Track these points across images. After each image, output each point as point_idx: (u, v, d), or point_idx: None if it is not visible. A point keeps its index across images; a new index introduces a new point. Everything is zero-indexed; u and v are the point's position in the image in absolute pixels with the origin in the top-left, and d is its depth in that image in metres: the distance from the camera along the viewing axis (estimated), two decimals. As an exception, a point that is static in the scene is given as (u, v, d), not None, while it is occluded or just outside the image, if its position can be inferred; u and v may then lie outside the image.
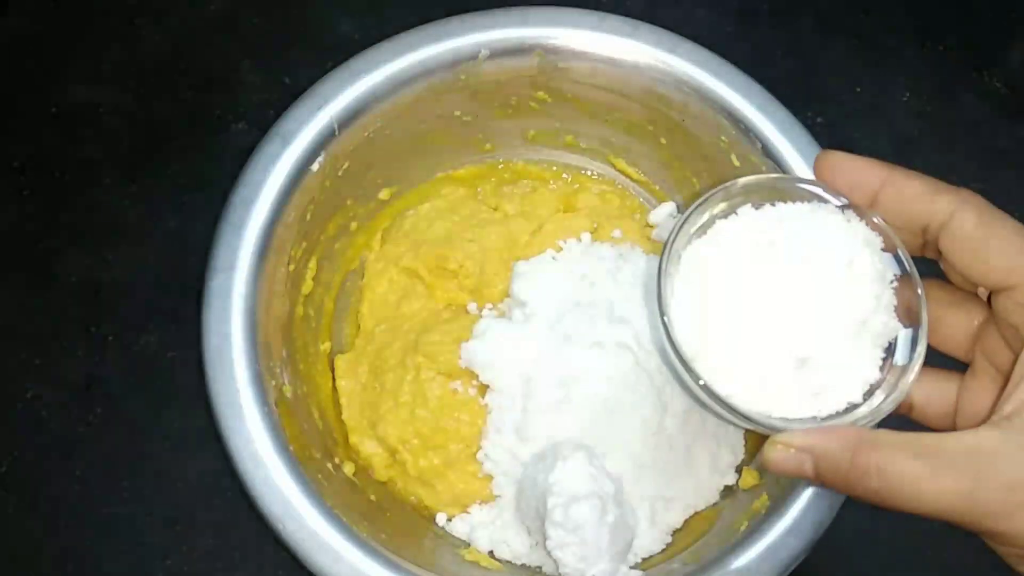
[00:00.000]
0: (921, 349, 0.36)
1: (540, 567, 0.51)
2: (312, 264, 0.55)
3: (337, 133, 0.53)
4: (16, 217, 0.61)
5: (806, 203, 0.37)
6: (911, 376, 0.36)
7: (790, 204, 0.37)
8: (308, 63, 0.65)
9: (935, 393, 0.37)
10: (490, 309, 0.57)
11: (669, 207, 0.59)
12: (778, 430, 0.34)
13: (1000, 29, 0.71)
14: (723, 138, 0.54)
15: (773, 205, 0.37)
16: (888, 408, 0.35)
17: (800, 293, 0.35)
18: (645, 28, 0.55)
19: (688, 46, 0.54)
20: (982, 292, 0.36)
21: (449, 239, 0.57)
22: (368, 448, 0.54)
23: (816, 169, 0.36)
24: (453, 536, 0.52)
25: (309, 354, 0.55)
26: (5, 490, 0.55)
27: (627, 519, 0.49)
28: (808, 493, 0.47)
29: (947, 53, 0.70)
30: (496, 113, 0.58)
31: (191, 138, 0.63)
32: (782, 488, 0.48)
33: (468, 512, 0.53)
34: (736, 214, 0.38)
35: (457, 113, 0.57)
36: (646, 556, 0.50)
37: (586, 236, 0.58)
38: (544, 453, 0.50)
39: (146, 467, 0.56)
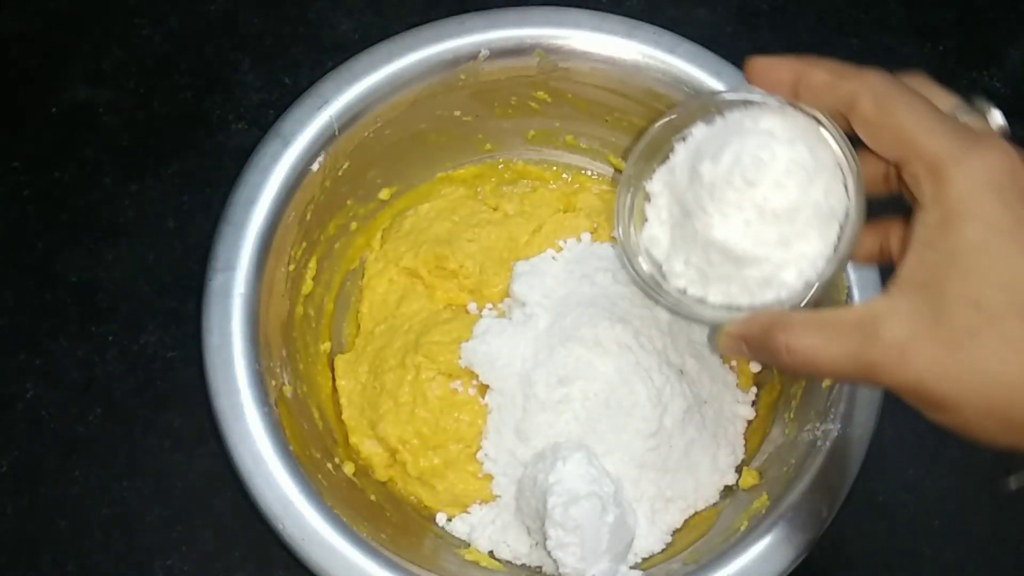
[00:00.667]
0: (851, 228, 0.38)
1: (540, 567, 0.51)
2: (312, 264, 0.55)
3: (337, 133, 0.53)
4: (16, 217, 0.61)
5: (749, 108, 0.40)
6: (843, 251, 0.38)
7: (736, 112, 0.40)
8: (308, 63, 0.65)
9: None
10: (490, 309, 0.57)
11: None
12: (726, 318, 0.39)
13: (1000, 29, 0.71)
14: (723, 138, 0.54)
15: (723, 116, 0.41)
16: (825, 278, 0.38)
17: (745, 193, 0.38)
18: (645, 28, 0.55)
19: (688, 46, 0.54)
20: None
21: (449, 239, 0.57)
22: (368, 448, 0.54)
23: (745, 76, 0.39)
24: (453, 536, 0.52)
25: (309, 354, 0.55)
26: (5, 490, 0.55)
27: (627, 519, 0.49)
28: (808, 493, 0.47)
29: (947, 53, 0.70)
30: (496, 113, 0.58)
31: (191, 138, 0.63)
32: (782, 488, 0.48)
33: (468, 512, 0.53)
34: (692, 134, 0.41)
35: (457, 113, 0.57)
36: (646, 556, 0.50)
37: (586, 236, 0.58)
38: (544, 453, 0.50)
39: (146, 467, 0.56)
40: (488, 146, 0.60)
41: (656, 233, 0.42)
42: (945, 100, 0.36)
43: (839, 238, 0.38)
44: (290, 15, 0.67)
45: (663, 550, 0.51)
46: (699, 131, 0.41)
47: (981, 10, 0.71)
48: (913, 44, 0.70)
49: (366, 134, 0.54)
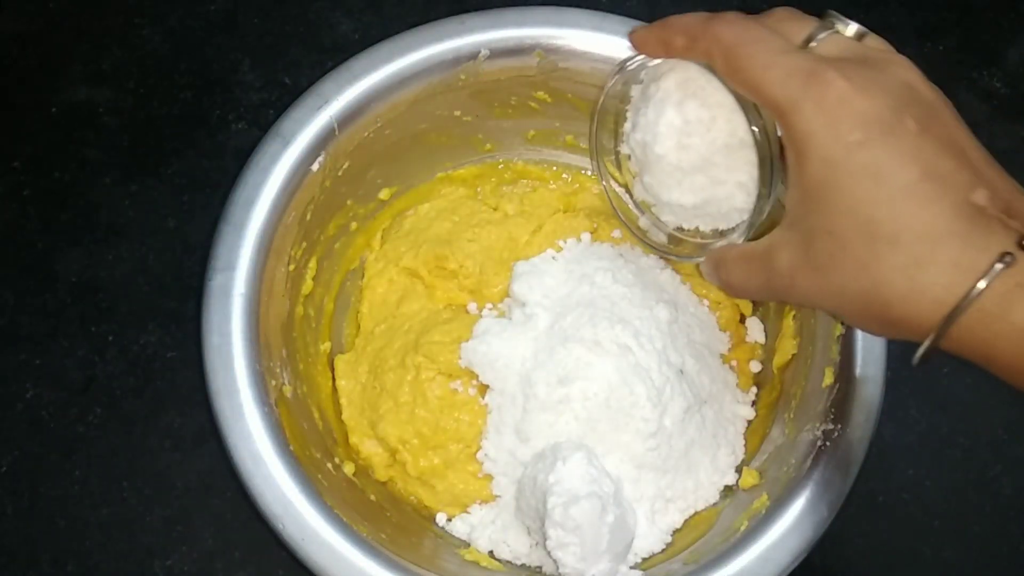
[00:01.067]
0: (771, 147, 0.41)
1: (540, 567, 0.51)
2: (312, 264, 0.55)
3: (337, 133, 0.53)
4: (16, 217, 0.61)
5: (654, 70, 0.45)
6: (771, 166, 0.41)
7: (646, 76, 0.45)
8: (308, 63, 0.65)
9: None
10: (490, 309, 0.56)
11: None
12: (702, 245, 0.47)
13: (1000, 29, 0.71)
14: (723, 138, 0.54)
15: (640, 82, 0.46)
16: (756, 217, 0.43)
17: (663, 162, 0.44)
18: (645, 28, 0.55)
19: (688, 46, 0.54)
20: None
21: (449, 239, 0.57)
22: (368, 448, 0.54)
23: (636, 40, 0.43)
24: (453, 536, 0.52)
25: (309, 354, 0.55)
26: (5, 490, 0.55)
27: (627, 519, 0.49)
28: (808, 493, 0.47)
29: (947, 53, 0.70)
30: (496, 113, 0.58)
31: (191, 138, 0.63)
32: (782, 488, 0.48)
33: (468, 512, 0.53)
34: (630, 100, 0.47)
35: (457, 113, 0.57)
36: (646, 556, 0.50)
37: (586, 236, 0.58)
38: (544, 453, 0.50)
39: (146, 467, 0.56)
40: (488, 146, 0.60)
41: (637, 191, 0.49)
42: (802, 28, 0.38)
43: (766, 158, 0.41)
44: (290, 15, 0.67)
45: (663, 550, 0.51)
46: (634, 95, 0.47)
47: (981, 10, 0.71)
48: (913, 44, 0.70)
49: (366, 134, 0.54)
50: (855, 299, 0.36)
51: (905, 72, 0.36)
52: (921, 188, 0.34)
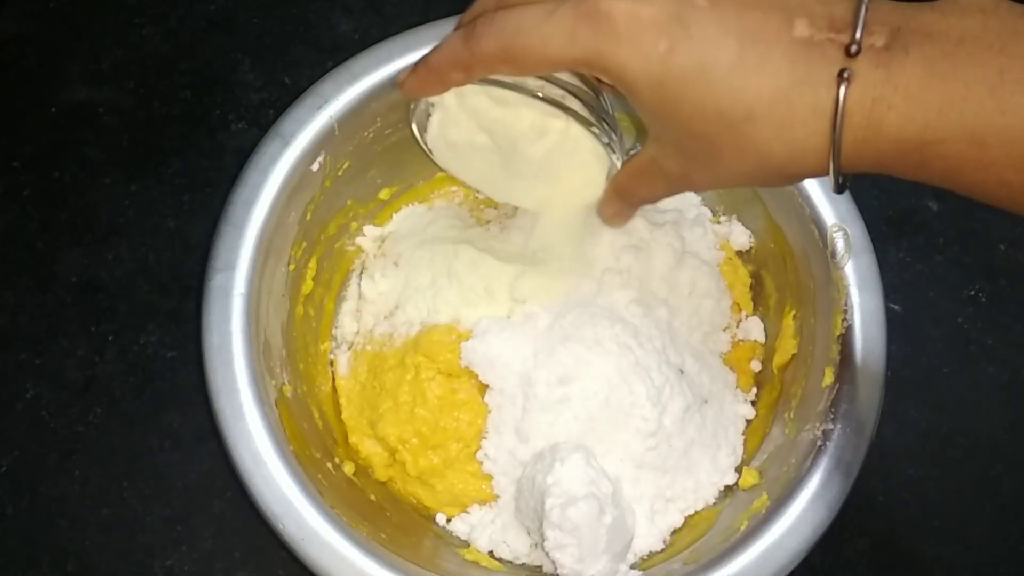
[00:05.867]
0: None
1: (540, 567, 0.51)
2: (312, 264, 0.55)
3: (337, 133, 0.53)
4: (16, 217, 0.61)
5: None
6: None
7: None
8: (308, 63, 0.65)
9: None
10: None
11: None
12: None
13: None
14: (723, 138, 0.54)
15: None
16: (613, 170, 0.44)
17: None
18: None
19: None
20: None
21: (449, 239, 0.57)
22: (368, 448, 0.54)
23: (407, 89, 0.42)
24: (453, 536, 0.52)
25: (309, 354, 0.55)
26: (5, 490, 0.55)
27: (625, 520, 0.49)
28: (808, 493, 0.47)
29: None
30: (496, 113, 0.58)
31: (191, 138, 0.63)
32: (782, 488, 0.48)
33: (468, 512, 0.53)
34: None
35: (457, 113, 0.57)
36: (646, 556, 0.50)
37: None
38: (543, 454, 0.50)
39: (146, 467, 0.56)
40: (488, 146, 0.60)
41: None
42: None
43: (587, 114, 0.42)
44: (290, 15, 0.67)
45: (663, 550, 0.51)
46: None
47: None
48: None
49: (366, 134, 0.54)
50: (751, 175, 0.36)
51: None
52: (745, 57, 0.33)
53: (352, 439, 0.54)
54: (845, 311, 0.50)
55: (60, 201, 0.61)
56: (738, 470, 0.53)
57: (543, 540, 0.47)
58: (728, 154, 0.35)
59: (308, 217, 0.53)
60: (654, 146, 0.39)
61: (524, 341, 0.52)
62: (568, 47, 0.35)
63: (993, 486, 0.58)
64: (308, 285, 0.55)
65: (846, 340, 0.50)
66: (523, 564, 0.51)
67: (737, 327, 0.57)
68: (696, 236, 0.57)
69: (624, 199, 0.44)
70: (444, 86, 0.40)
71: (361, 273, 0.58)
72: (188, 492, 0.56)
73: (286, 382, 0.51)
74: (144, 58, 0.65)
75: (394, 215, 0.59)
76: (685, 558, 0.49)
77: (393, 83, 0.44)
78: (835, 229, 0.51)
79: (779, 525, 0.47)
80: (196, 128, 0.64)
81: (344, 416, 0.55)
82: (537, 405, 0.50)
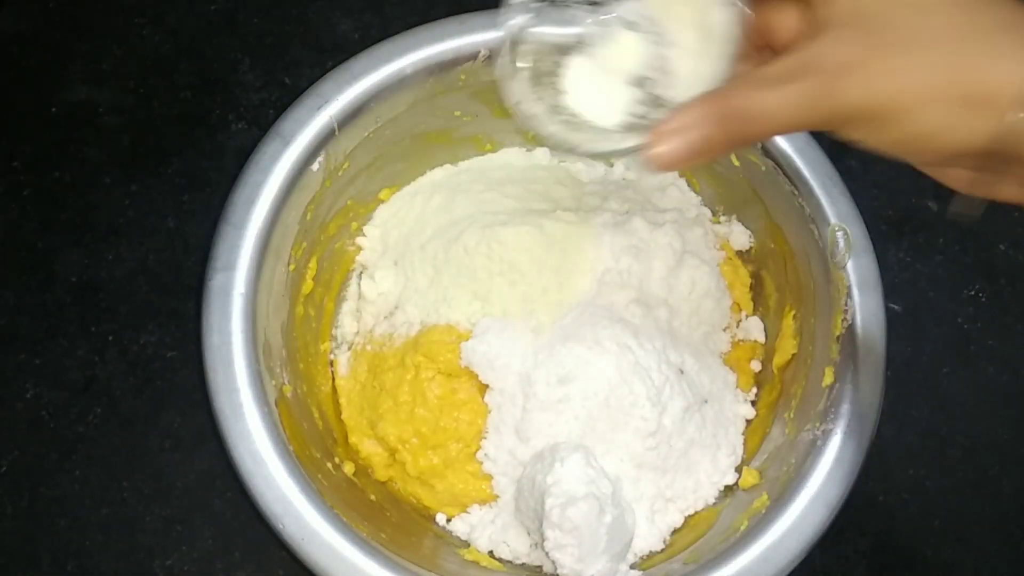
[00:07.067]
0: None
1: (540, 567, 0.51)
2: (312, 264, 0.55)
3: (337, 133, 0.53)
4: (16, 217, 0.61)
5: None
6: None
7: None
8: (308, 63, 0.65)
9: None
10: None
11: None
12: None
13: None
14: (723, 138, 0.55)
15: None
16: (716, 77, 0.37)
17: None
18: (645, 28, 0.55)
19: (688, 46, 0.54)
20: None
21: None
22: (368, 448, 0.54)
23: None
24: (453, 536, 0.52)
25: (309, 354, 0.55)
26: (5, 490, 0.55)
27: (625, 519, 0.49)
28: (808, 493, 0.47)
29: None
30: (496, 113, 0.58)
31: (191, 138, 0.63)
32: (782, 488, 0.48)
33: (468, 512, 0.53)
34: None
35: (457, 113, 0.57)
36: (646, 556, 0.50)
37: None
38: (542, 454, 0.50)
39: (146, 467, 0.56)
40: (488, 146, 0.60)
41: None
42: None
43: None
44: (290, 15, 0.67)
45: (663, 550, 0.51)
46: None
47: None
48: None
49: (366, 134, 0.54)
50: (939, 67, 0.32)
51: None
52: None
53: (352, 439, 0.54)
54: (845, 311, 0.50)
55: (60, 201, 0.61)
56: (738, 470, 0.53)
57: (543, 540, 0.47)
58: (937, 27, 0.32)
59: (308, 217, 0.53)
60: (820, 40, 0.34)
61: (524, 341, 0.52)
62: None
63: (993, 486, 0.58)
64: (308, 285, 0.55)
65: (846, 340, 0.50)
66: (523, 564, 0.51)
67: (737, 327, 0.57)
68: (696, 236, 0.57)
69: (731, 103, 0.35)
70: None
71: (361, 273, 0.58)
72: (188, 492, 0.56)
73: (286, 382, 0.51)
74: (144, 58, 0.65)
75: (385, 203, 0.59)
76: (685, 558, 0.49)
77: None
78: (835, 229, 0.51)
79: (779, 525, 0.47)
80: (196, 128, 0.64)
81: (344, 416, 0.55)
82: (537, 405, 0.50)
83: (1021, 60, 0.31)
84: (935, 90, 0.32)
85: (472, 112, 0.58)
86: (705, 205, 0.60)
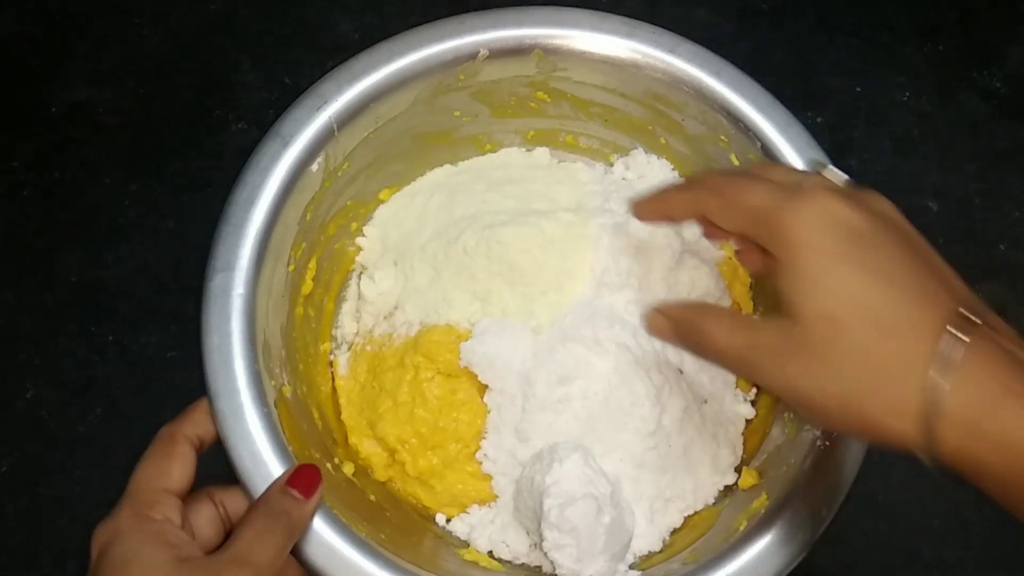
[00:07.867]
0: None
1: (539, 567, 0.51)
2: (312, 264, 0.55)
3: (337, 133, 0.53)
4: (15, 217, 0.61)
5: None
6: None
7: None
8: (308, 63, 0.65)
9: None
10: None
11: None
12: None
13: (1000, 29, 0.71)
14: (723, 137, 0.55)
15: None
16: None
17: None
18: (645, 28, 0.55)
19: (688, 46, 0.54)
20: None
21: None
22: (367, 448, 0.54)
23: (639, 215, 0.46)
24: (452, 536, 0.52)
25: (309, 354, 0.55)
26: (5, 490, 0.55)
27: (624, 520, 0.49)
28: (808, 493, 0.47)
29: (947, 53, 0.70)
30: (496, 113, 0.58)
31: (191, 138, 0.63)
32: (782, 488, 0.48)
33: (467, 512, 0.53)
34: None
35: (457, 113, 0.57)
36: (645, 556, 0.50)
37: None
38: (541, 454, 0.50)
39: (146, 467, 0.56)
40: (488, 146, 0.60)
41: None
42: (781, 172, 0.41)
43: None
44: (290, 15, 0.67)
45: (662, 550, 0.51)
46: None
47: (981, 10, 0.71)
48: (913, 44, 0.70)
49: (365, 134, 0.54)
50: (845, 388, 0.36)
51: (886, 205, 0.39)
52: (917, 289, 0.36)
53: (352, 439, 0.54)
54: (845, 311, 0.50)
55: (60, 201, 0.62)
56: (738, 470, 0.53)
57: (542, 540, 0.47)
58: (849, 350, 0.36)
59: (308, 217, 0.53)
60: (769, 317, 0.39)
61: (523, 341, 0.52)
62: (762, 196, 0.38)
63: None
64: (308, 285, 0.55)
65: (846, 340, 0.50)
66: (522, 564, 0.51)
67: (737, 327, 0.57)
68: (696, 236, 0.57)
69: (699, 318, 0.41)
70: (698, 208, 0.42)
71: (361, 273, 0.58)
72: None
73: (286, 383, 0.51)
74: (144, 58, 0.65)
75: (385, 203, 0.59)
76: (684, 558, 0.49)
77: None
78: None
79: (779, 525, 0.47)
80: (196, 128, 0.64)
81: (344, 416, 0.55)
82: (536, 405, 0.50)
83: (913, 420, 0.37)
84: (838, 406, 0.37)
85: (472, 112, 0.58)
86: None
